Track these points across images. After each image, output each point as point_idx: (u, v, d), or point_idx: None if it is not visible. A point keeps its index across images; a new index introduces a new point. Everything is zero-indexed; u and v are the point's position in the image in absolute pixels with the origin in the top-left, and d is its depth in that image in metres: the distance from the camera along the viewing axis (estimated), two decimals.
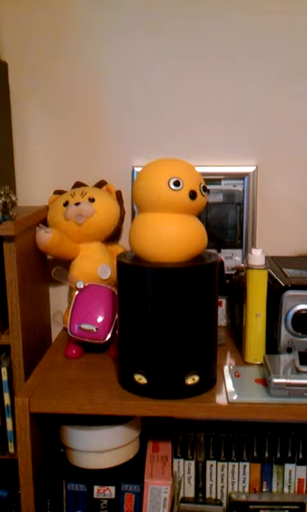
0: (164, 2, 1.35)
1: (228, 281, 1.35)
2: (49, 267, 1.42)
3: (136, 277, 1.00)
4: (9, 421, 1.24)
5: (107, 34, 1.37)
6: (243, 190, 1.39)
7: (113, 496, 1.12)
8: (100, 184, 1.38)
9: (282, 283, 1.15)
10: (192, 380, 1.02)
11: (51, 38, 1.38)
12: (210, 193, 1.35)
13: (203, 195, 1.03)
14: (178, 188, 0.99)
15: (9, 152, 1.40)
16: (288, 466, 1.25)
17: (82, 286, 1.22)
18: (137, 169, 1.40)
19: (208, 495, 1.27)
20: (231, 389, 1.05)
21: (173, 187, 0.99)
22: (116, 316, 1.14)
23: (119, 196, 1.39)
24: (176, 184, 0.99)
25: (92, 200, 1.30)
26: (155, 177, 1.01)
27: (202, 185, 1.03)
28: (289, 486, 1.26)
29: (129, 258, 1.04)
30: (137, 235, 1.02)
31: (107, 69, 1.39)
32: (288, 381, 1.00)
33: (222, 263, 1.34)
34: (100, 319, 1.18)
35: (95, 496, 1.13)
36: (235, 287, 1.30)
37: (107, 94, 1.40)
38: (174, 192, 1.00)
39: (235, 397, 1.02)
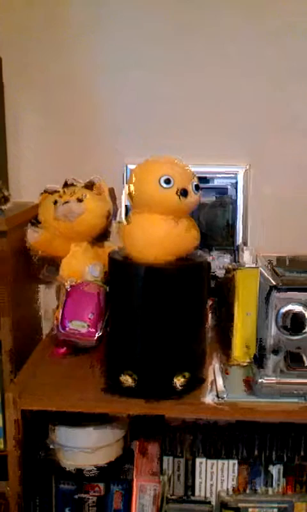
0: (161, 1, 1.34)
1: (214, 282, 1.34)
2: (41, 264, 1.42)
3: (127, 273, 1.00)
4: None
5: (102, 32, 1.37)
6: (235, 189, 1.39)
7: (102, 494, 1.13)
8: (90, 183, 1.37)
9: (273, 283, 1.15)
10: (181, 380, 1.01)
11: (46, 34, 1.38)
12: (201, 192, 1.34)
13: (195, 193, 1.02)
14: (169, 186, 0.99)
15: (2, 148, 1.39)
16: (277, 465, 1.25)
17: (72, 284, 1.21)
18: (130, 167, 1.40)
19: (197, 493, 1.27)
20: (220, 389, 1.05)
21: (163, 185, 0.99)
22: (106, 314, 1.14)
23: (112, 193, 1.38)
24: (167, 181, 0.99)
25: (81, 200, 1.30)
26: (146, 175, 1.01)
27: (194, 183, 1.02)
28: (278, 485, 1.26)
29: (121, 256, 1.04)
30: (127, 234, 1.02)
31: (101, 66, 1.39)
32: (277, 380, 1.01)
33: (209, 264, 1.33)
34: (90, 317, 1.17)
35: (84, 493, 1.13)
36: (222, 287, 1.29)
37: (101, 91, 1.40)
38: (165, 190, 0.99)
39: (223, 397, 1.02)
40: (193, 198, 1.02)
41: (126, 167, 1.40)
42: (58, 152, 1.44)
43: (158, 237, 1.00)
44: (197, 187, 1.03)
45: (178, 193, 0.99)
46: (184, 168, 1.03)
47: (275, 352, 1.15)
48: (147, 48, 1.37)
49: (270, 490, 1.26)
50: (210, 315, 1.33)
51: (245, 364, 1.16)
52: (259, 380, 1.01)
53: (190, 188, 1.01)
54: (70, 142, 1.43)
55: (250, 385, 1.06)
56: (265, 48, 1.35)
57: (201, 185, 1.23)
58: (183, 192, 1.00)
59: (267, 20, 1.34)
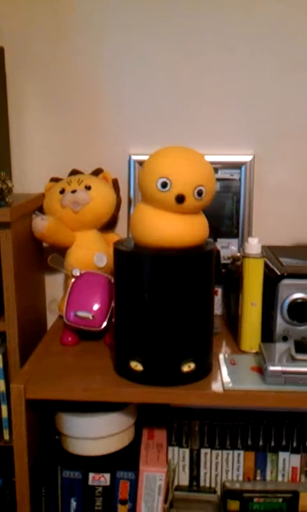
0: None
1: (224, 270, 1.35)
2: (45, 255, 1.42)
3: (133, 264, 1.00)
4: (4, 408, 1.24)
5: (106, 22, 1.36)
6: (240, 179, 1.39)
7: (108, 483, 1.13)
8: (97, 172, 1.38)
9: (278, 272, 1.15)
10: (188, 367, 1.02)
11: (49, 24, 1.37)
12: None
13: (196, 199, 0.97)
14: (165, 190, 0.96)
15: (6, 139, 1.39)
16: (282, 455, 1.25)
17: (78, 273, 1.21)
18: (134, 158, 1.40)
19: (202, 483, 1.28)
20: (227, 377, 1.05)
21: (159, 188, 0.96)
22: (112, 303, 1.14)
23: (115, 184, 1.38)
24: (164, 185, 0.96)
25: (88, 188, 1.30)
26: (147, 174, 0.98)
27: (198, 188, 0.96)
28: (283, 475, 1.26)
29: (126, 246, 1.04)
30: (136, 224, 1.01)
31: (105, 57, 1.38)
32: (284, 368, 1.01)
33: (218, 252, 1.34)
34: (96, 307, 1.18)
35: (90, 483, 1.13)
36: (231, 276, 1.30)
37: (105, 82, 1.39)
38: (161, 194, 0.96)
39: (230, 385, 1.02)
40: (193, 203, 0.97)
41: (131, 158, 1.40)
42: (61, 143, 1.44)
43: (166, 232, 0.98)
44: (200, 193, 0.97)
45: (175, 198, 0.95)
46: (189, 168, 0.97)
47: (282, 341, 1.15)
48: (151, 39, 1.36)
49: (275, 480, 1.26)
50: (220, 303, 1.34)
51: (251, 353, 1.16)
52: (266, 369, 1.01)
53: (191, 193, 0.96)
54: (74, 133, 1.43)
55: (256, 374, 1.05)
56: (270, 38, 1.34)
57: None
58: (180, 199, 0.95)
59: (269, 11, 1.33)
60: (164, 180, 0.95)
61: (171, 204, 0.97)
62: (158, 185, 0.96)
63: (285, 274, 1.14)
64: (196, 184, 0.97)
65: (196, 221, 1.01)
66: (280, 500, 1.22)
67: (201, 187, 0.97)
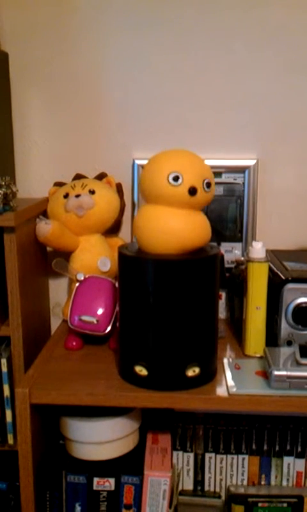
0: None
1: (227, 274, 1.35)
2: (49, 259, 1.42)
3: (137, 269, 1.00)
4: (8, 412, 1.24)
5: (108, 26, 1.36)
6: (243, 183, 1.39)
7: (113, 488, 1.12)
8: (101, 176, 1.38)
9: (282, 276, 1.15)
10: (192, 372, 1.02)
11: (52, 28, 1.37)
12: (213, 188, 1.34)
13: (205, 191, 1.01)
14: (177, 184, 0.98)
15: (9, 143, 1.39)
16: (287, 459, 1.25)
17: (82, 278, 1.21)
18: (138, 162, 1.40)
19: (206, 488, 1.28)
20: (231, 381, 1.05)
21: (172, 182, 0.98)
22: (117, 308, 1.14)
23: (119, 188, 1.38)
24: (175, 179, 0.98)
25: (92, 192, 1.30)
26: (156, 171, 1.00)
27: (206, 180, 1.01)
28: (287, 479, 1.26)
29: (130, 250, 1.04)
30: (140, 226, 1.02)
31: (108, 61, 1.38)
32: (289, 373, 1.01)
33: (222, 256, 1.34)
34: (100, 311, 1.18)
35: (95, 488, 1.13)
36: (235, 280, 1.29)
37: (108, 86, 1.40)
38: (173, 188, 0.98)
39: (235, 389, 1.02)
40: (203, 196, 1.01)
41: (134, 162, 1.40)
42: (65, 148, 1.44)
43: (172, 229, 0.99)
44: (208, 185, 1.01)
45: (188, 191, 0.98)
46: (196, 164, 1.01)
47: (286, 345, 1.15)
48: (154, 43, 1.36)
49: (280, 484, 1.26)
50: (224, 307, 1.34)
51: (256, 357, 1.15)
52: (270, 373, 1.01)
53: (201, 185, 1.00)
54: (78, 138, 1.43)
55: (261, 378, 1.05)
56: (273, 40, 1.34)
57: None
58: (192, 191, 0.98)
59: (271, 13, 1.33)
60: (176, 174, 0.98)
61: (183, 197, 0.99)
62: (170, 179, 0.98)
63: (290, 279, 1.14)
64: (203, 176, 1.01)
65: (200, 218, 1.03)
66: (285, 504, 1.22)
67: (208, 180, 1.01)
